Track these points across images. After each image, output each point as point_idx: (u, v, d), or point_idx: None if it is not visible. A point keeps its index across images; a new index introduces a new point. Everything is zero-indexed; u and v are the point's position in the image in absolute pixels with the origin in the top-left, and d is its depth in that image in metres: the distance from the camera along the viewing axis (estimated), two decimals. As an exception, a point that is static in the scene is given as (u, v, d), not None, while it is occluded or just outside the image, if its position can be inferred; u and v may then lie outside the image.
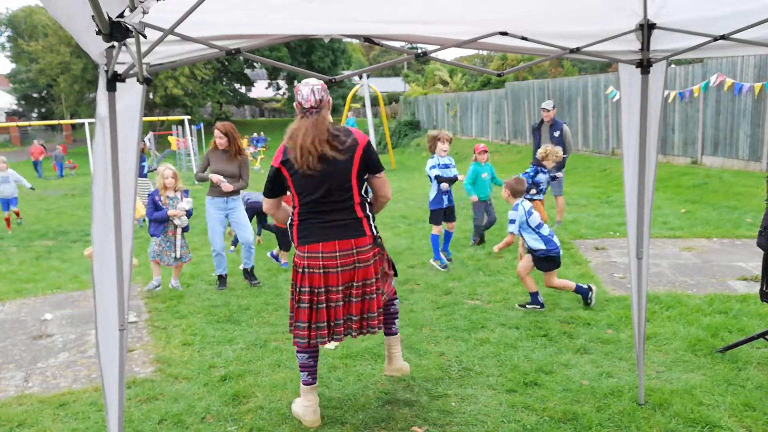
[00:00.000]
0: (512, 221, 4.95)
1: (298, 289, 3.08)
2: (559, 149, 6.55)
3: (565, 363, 3.84)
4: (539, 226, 4.92)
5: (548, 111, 8.20)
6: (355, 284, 3.07)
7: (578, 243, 7.06)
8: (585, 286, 4.94)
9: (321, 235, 3.01)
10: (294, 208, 3.12)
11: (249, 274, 5.97)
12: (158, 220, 5.61)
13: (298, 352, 3.21)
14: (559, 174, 7.13)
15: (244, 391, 3.60)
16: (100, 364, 2.45)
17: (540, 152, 6.59)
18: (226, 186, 5.52)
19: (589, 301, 4.89)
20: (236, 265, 6.43)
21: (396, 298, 3.50)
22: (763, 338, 3.79)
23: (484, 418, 3.20)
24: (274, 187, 3.14)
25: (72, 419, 3.37)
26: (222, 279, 5.89)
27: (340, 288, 3.04)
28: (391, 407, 3.36)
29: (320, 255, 3.00)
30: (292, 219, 3.14)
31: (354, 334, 3.12)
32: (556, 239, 4.92)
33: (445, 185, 6.14)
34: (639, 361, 3.29)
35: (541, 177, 6.57)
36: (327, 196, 2.99)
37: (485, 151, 7.03)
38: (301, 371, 3.23)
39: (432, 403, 3.39)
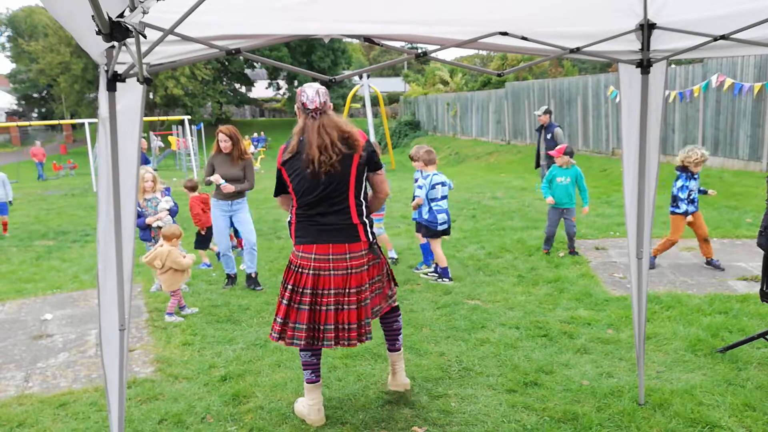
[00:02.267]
0: (420, 187, 5.73)
1: (285, 286, 3.10)
2: (696, 149, 5.70)
3: (565, 363, 3.84)
4: (434, 200, 5.70)
5: (539, 116, 9.44)
6: (349, 291, 3.02)
7: (578, 243, 7.06)
8: (448, 275, 5.75)
9: (316, 236, 3.02)
10: (293, 207, 3.14)
11: (253, 280, 5.87)
12: (140, 226, 5.60)
13: (300, 350, 3.20)
14: (711, 191, 6.06)
15: (244, 391, 3.60)
16: (103, 364, 2.45)
17: (684, 157, 5.76)
18: (226, 187, 5.52)
19: (444, 279, 5.74)
20: (236, 265, 6.42)
21: (399, 314, 3.48)
22: (763, 338, 3.80)
23: (484, 418, 3.20)
24: (278, 186, 3.20)
25: (72, 419, 3.37)
26: (230, 278, 5.95)
27: (332, 292, 3.01)
28: (391, 407, 3.36)
29: (312, 256, 3.02)
30: (290, 217, 3.17)
31: (354, 342, 3.04)
32: (443, 218, 5.71)
33: (414, 203, 5.90)
34: (639, 361, 3.29)
35: (693, 184, 5.79)
36: (324, 199, 2.99)
37: (560, 153, 6.42)
38: (304, 369, 3.23)
39: (432, 403, 3.39)
